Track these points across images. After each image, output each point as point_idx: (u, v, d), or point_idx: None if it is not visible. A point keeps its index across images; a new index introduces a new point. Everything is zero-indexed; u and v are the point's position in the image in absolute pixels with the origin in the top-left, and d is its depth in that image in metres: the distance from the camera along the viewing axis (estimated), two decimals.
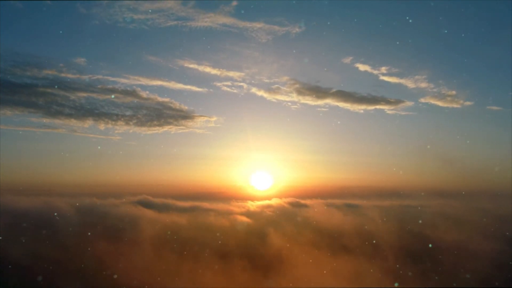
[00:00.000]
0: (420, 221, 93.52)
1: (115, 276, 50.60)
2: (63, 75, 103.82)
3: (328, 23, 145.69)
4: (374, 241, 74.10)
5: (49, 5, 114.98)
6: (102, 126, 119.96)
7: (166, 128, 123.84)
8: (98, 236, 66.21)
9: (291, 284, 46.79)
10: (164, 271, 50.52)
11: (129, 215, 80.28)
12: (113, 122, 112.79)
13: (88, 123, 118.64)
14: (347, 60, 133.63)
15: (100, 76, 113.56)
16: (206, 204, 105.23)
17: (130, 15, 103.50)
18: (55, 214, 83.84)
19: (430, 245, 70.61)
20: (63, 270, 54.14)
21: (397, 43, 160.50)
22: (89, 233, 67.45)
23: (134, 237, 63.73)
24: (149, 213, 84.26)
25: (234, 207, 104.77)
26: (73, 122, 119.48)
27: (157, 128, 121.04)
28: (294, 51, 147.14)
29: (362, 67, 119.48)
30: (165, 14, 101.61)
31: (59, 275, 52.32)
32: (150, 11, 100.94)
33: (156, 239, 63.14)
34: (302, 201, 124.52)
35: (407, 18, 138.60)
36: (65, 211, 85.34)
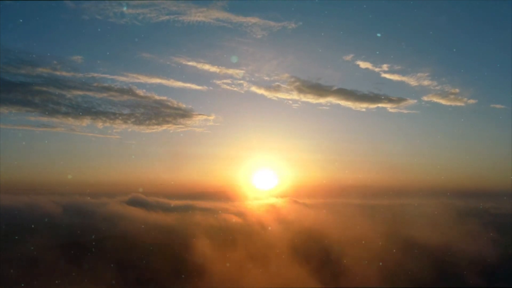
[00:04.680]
0: (421, 221, 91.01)
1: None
2: (57, 73, 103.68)
3: (327, 19, 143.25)
4: (367, 242, 71.54)
5: (38, 2, 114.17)
6: (100, 124, 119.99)
7: (165, 127, 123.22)
8: (81, 234, 65.50)
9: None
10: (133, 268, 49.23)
11: (116, 214, 79.26)
12: (111, 121, 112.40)
13: (86, 121, 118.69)
14: (348, 57, 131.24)
15: (95, 74, 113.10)
16: (201, 203, 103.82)
17: (121, 10, 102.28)
18: (45, 213, 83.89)
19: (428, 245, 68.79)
20: (49, 269, 53.32)
21: (399, 40, 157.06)
22: (73, 233, 66.83)
23: (113, 235, 62.46)
24: (137, 212, 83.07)
25: (229, 206, 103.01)
26: (70, 121, 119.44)
27: (156, 127, 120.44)
28: (292, 48, 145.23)
29: (363, 65, 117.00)
30: (156, 8, 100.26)
31: (49, 273, 51.54)
32: (140, 5, 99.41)
33: (137, 238, 61.72)
34: (301, 201, 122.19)
35: (409, 15, 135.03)
36: (54, 210, 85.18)
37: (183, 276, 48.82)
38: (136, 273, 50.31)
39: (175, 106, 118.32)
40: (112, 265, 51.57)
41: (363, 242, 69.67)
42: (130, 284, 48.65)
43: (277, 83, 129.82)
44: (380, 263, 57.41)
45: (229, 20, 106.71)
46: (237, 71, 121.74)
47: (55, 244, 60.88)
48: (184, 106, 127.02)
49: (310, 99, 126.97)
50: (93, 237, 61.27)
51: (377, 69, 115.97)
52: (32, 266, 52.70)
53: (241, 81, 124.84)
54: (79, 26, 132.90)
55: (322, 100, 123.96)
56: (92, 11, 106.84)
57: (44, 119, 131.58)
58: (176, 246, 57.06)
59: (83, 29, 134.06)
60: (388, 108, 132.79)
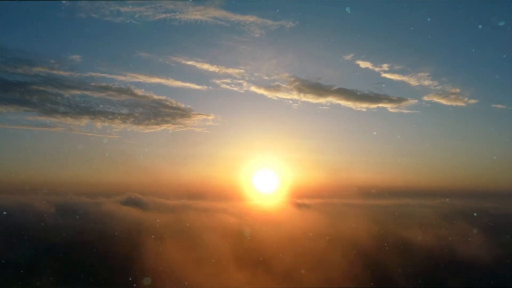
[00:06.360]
0: (420, 221, 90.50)
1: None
2: (55, 72, 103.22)
3: (325, 18, 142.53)
4: (366, 242, 70.88)
5: (34, 1, 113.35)
6: (99, 124, 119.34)
7: (164, 127, 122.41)
8: (75, 234, 65.24)
9: None
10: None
11: (112, 214, 78.90)
12: (110, 121, 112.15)
13: (85, 121, 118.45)
14: (348, 56, 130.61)
15: (93, 73, 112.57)
16: (199, 203, 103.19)
17: (117, 8, 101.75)
18: (41, 213, 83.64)
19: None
20: (44, 269, 53.02)
21: (399, 39, 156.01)
22: (66, 233, 66.52)
23: (107, 235, 62.09)
24: (133, 211, 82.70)
25: (228, 206, 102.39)
26: (69, 121, 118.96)
27: (155, 126, 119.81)
28: (291, 47, 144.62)
29: (363, 64, 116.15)
30: (152, 7, 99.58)
31: (44, 274, 51.23)
32: (137, 4, 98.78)
33: (131, 238, 61.32)
34: (300, 201, 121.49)
35: (409, 14, 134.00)
36: (50, 209, 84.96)
37: (176, 275, 48.33)
38: (130, 273, 49.70)
39: (174, 105, 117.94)
40: (104, 265, 51.31)
41: (362, 242, 69.08)
42: (124, 284, 48.11)
43: (276, 82, 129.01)
44: (378, 264, 56.87)
45: (227, 18, 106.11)
46: (237, 70, 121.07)
47: (50, 244, 60.76)
48: (183, 105, 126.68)
49: (310, 99, 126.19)
50: (86, 237, 60.94)
51: (377, 69, 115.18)
52: (27, 266, 52.52)
53: (241, 81, 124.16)
54: (75, 25, 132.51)
55: (322, 100, 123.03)
56: (88, 9, 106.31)
57: (43, 118, 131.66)
58: (171, 246, 56.58)
59: (79, 28, 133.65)
60: (388, 108, 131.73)
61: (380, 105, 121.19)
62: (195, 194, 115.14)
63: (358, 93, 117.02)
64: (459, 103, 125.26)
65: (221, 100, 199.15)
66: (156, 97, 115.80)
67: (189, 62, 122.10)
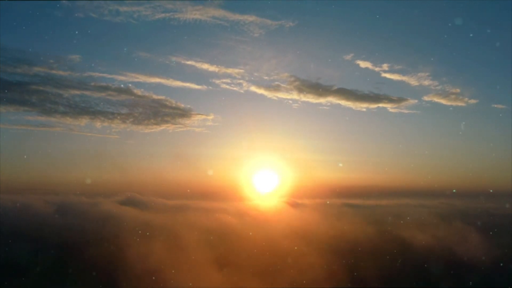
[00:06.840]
0: (420, 221, 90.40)
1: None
2: (54, 72, 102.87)
3: (325, 18, 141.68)
4: (364, 243, 70.91)
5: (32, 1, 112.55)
6: (98, 124, 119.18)
7: (163, 127, 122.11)
8: (72, 235, 65.30)
9: None
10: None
11: (111, 214, 78.96)
12: (110, 121, 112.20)
13: (84, 121, 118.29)
14: (348, 56, 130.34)
15: (92, 73, 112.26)
16: (198, 203, 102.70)
17: (116, 7, 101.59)
18: (39, 213, 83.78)
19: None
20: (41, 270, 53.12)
21: (399, 39, 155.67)
22: (64, 233, 66.65)
23: (105, 236, 62.11)
24: (132, 211, 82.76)
25: (227, 206, 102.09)
26: (69, 121, 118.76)
27: (155, 126, 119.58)
28: (291, 47, 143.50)
29: (363, 64, 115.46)
30: (151, 6, 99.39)
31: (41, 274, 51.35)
32: (135, 3, 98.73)
33: (129, 238, 61.26)
34: (300, 201, 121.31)
35: (409, 14, 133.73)
36: (48, 209, 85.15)
37: (176, 275, 48.36)
38: (129, 272, 49.80)
39: (174, 105, 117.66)
40: (103, 265, 51.34)
41: (361, 242, 69.15)
42: (123, 284, 48.17)
43: (276, 82, 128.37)
44: (378, 264, 56.87)
45: (226, 18, 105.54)
46: (236, 70, 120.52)
47: (49, 244, 60.76)
48: (183, 105, 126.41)
49: (310, 99, 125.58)
50: (86, 237, 61.00)
51: (377, 69, 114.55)
52: (26, 266, 52.64)
53: (241, 81, 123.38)
54: (74, 25, 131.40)
55: (322, 100, 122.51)
56: (87, 9, 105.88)
57: (42, 118, 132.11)
58: (170, 246, 56.65)
59: (78, 28, 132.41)
60: (388, 108, 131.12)
61: (380, 105, 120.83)
62: (194, 194, 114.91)
63: (358, 93, 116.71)
64: (459, 103, 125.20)
65: (221, 100, 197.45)
66: (155, 97, 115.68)
67: (189, 62, 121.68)
